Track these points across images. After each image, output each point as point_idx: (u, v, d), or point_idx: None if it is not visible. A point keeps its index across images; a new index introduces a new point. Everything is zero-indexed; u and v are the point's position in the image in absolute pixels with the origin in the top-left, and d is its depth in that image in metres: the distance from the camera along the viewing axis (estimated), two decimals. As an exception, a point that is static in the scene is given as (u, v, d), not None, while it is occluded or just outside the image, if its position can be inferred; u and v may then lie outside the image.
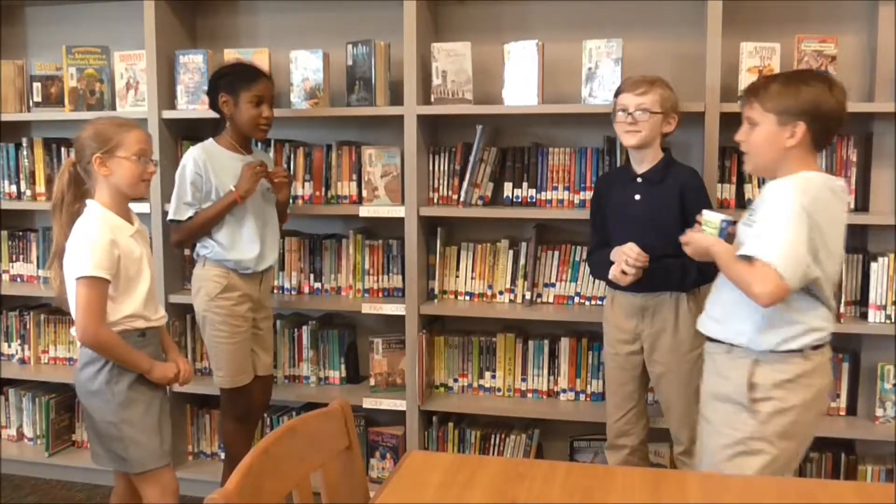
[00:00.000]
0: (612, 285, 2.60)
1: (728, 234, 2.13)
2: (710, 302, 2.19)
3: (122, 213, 2.33)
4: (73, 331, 2.30)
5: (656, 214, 2.51)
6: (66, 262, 2.26)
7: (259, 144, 3.21)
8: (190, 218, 2.78)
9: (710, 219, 2.14)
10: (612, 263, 2.52)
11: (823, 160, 2.87)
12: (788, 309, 1.96)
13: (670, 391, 2.59)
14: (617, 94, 2.59)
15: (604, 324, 2.71)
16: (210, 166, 2.78)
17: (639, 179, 2.56)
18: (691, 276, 2.48)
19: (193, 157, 2.79)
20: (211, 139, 2.87)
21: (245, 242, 2.82)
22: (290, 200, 3.10)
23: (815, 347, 2.00)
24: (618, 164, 2.96)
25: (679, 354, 2.54)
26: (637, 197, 2.56)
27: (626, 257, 2.44)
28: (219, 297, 2.81)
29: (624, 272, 2.46)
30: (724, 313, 2.10)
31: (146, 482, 2.36)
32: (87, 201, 2.32)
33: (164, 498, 2.35)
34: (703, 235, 2.14)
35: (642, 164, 2.57)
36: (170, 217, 2.83)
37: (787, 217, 1.89)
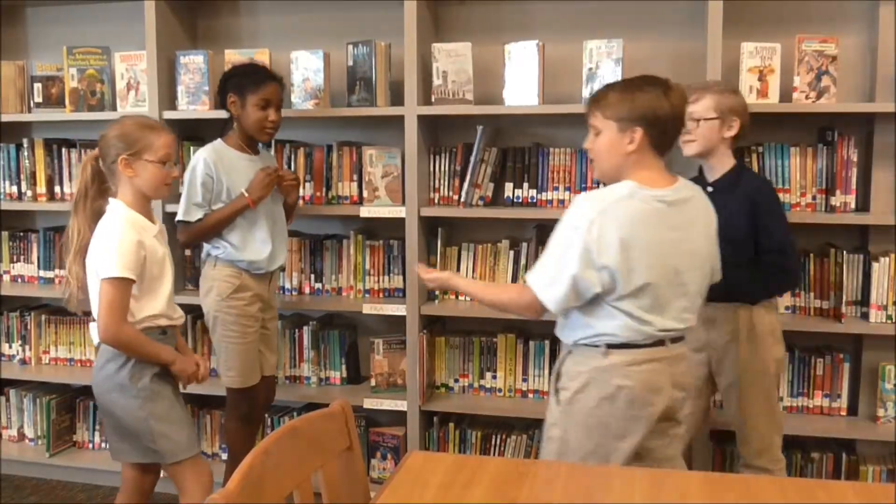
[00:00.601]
0: None
1: None
2: None
3: (144, 213, 2.33)
4: (92, 329, 2.31)
5: (727, 224, 2.39)
6: (91, 262, 2.26)
7: (262, 145, 3.20)
8: (200, 220, 2.78)
9: None
10: None
11: (824, 160, 2.87)
12: (585, 315, 2.03)
13: (735, 404, 2.53)
14: None
15: None
16: (220, 167, 2.78)
17: (709, 188, 2.45)
18: (758, 288, 2.45)
19: (204, 157, 2.78)
20: (219, 139, 2.87)
21: (257, 243, 2.82)
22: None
23: (616, 346, 2.01)
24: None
25: (746, 367, 2.47)
26: None
27: None
28: (231, 298, 2.81)
29: None
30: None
31: (181, 472, 2.36)
32: (111, 200, 2.31)
33: (200, 485, 2.36)
34: (438, 275, 2.28)
35: (712, 173, 2.52)
36: (179, 218, 2.80)
37: (556, 238, 1.99)
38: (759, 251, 2.44)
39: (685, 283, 2.02)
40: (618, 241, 1.92)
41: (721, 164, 2.51)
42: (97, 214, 2.32)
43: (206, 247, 2.88)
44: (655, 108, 1.98)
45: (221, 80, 2.87)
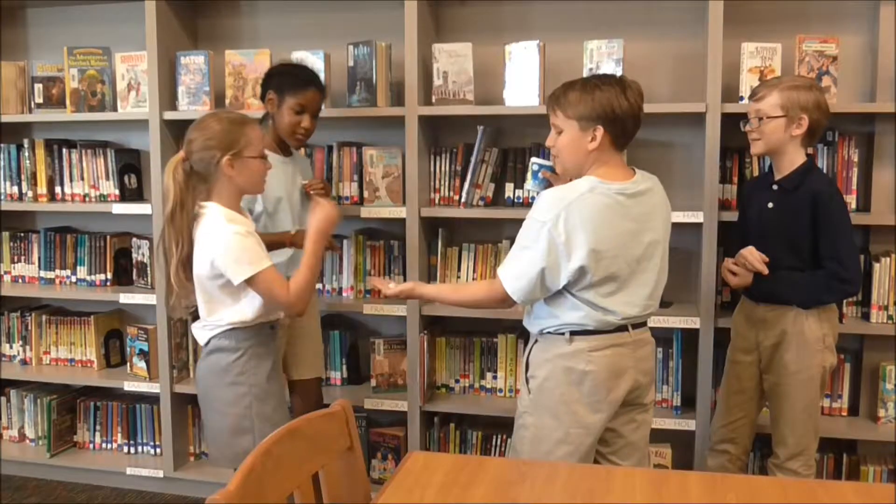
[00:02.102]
0: (743, 293, 2.57)
1: (542, 179, 2.37)
2: None
3: (239, 211, 2.28)
4: (194, 329, 2.31)
5: (787, 224, 2.42)
6: (200, 267, 2.20)
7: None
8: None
9: (531, 163, 2.45)
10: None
11: (825, 160, 2.87)
12: (549, 306, 2.11)
13: (777, 406, 2.53)
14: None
15: (731, 329, 2.68)
16: None
17: (774, 187, 2.47)
18: (813, 293, 2.42)
19: None
20: None
21: (280, 251, 2.75)
22: None
23: (580, 333, 2.08)
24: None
25: (792, 370, 2.45)
26: (770, 205, 2.47)
27: (744, 259, 2.43)
28: None
29: (732, 272, 2.47)
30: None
31: None
32: (204, 204, 2.22)
33: None
34: (401, 287, 2.34)
35: (779, 171, 2.47)
36: None
37: (524, 233, 2.09)
38: (817, 256, 2.40)
39: (645, 270, 2.10)
40: (583, 234, 1.99)
41: (789, 163, 2.45)
42: (193, 221, 2.22)
43: None
44: (614, 107, 2.05)
45: (265, 75, 2.80)
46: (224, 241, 2.16)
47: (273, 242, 2.67)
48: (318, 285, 3.35)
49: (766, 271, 2.42)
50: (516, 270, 2.09)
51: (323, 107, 2.90)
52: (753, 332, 2.54)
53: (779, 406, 2.51)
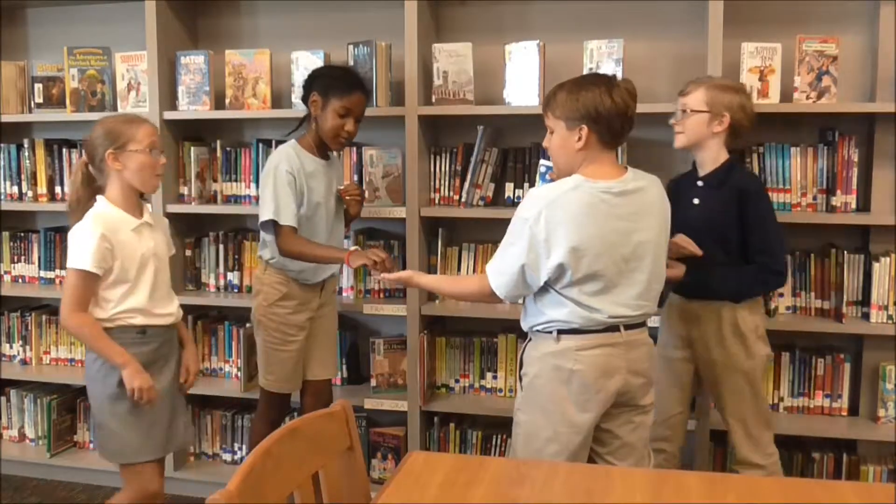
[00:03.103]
0: (674, 288, 2.57)
1: (549, 180, 2.37)
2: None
3: (129, 208, 2.36)
4: None
5: (714, 219, 2.46)
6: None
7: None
8: (294, 227, 2.63)
9: (540, 165, 2.49)
10: None
11: (825, 160, 2.87)
12: (537, 303, 2.14)
13: (723, 400, 2.54)
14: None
15: (659, 327, 2.68)
16: (300, 170, 2.66)
17: (699, 183, 2.51)
18: (747, 285, 2.45)
19: (285, 160, 2.65)
20: (294, 141, 2.74)
21: None
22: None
23: (567, 332, 2.09)
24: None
25: (730, 365, 2.48)
26: (696, 201, 2.50)
27: (676, 247, 2.41)
28: (276, 305, 2.74)
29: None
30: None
31: (124, 474, 2.39)
32: (98, 198, 2.36)
33: (136, 494, 2.38)
34: (399, 274, 2.40)
35: (703, 168, 2.52)
36: (268, 217, 2.62)
37: (509, 230, 2.12)
38: (746, 250, 2.44)
39: (634, 270, 2.09)
40: (564, 232, 2.01)
41: (711, 160, 2.50)
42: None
43: (261, 250, 2.80)
44: (598, 106, 2.06)
45: (309, 76, 2.75)
46: (75, 231, 2.31)
47: (330, 258, 2.67)
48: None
49: (700, 252, 2.41)
50: (500, 266, 2.13)
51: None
52: (687, 328, 2.55)
53: (724, 401, 2.54)
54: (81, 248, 2.26)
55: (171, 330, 2.45)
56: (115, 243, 2.29)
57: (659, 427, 2.60)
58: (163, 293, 2.41)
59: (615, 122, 2.08)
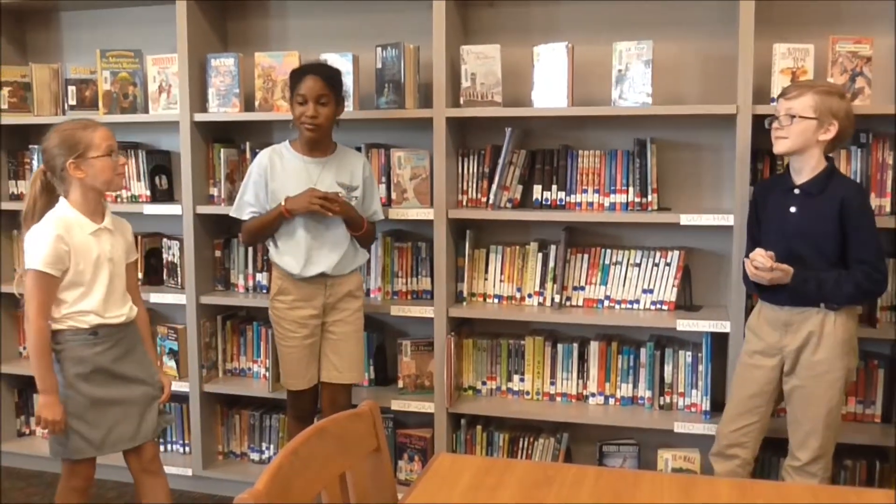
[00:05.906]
0: (762, 297, 2.53)
1: None
2: None
3: (89, 211, 2.40)
4: None
5: (812, 228, 2.41)
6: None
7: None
8: (252, 218, 2.84)
9: None
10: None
11: (858, 162, 2.83)
12: None
13: (800, 408, 2.48)
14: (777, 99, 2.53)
15: (746, 332, 2.63)
16: (274, 168, 2.80)
17: (796, 191, 2.45)
18: (844, 293, 2.39)
19: (260, 158, 2.85)
20: (287, 141, 2.90)
21: (291, 248, 2.81)
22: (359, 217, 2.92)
23: None
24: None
25: (817, 373, 2.42)
26: (793, 209, 2.45)
27: (751, 262, 2.39)
28: (276, 299, 2.86)
29: (756, 268, 2.40)
30: None
31: (63, 469, 2.48)
32: (61, 200, 2.41)
33: (67, 488, 2.47)
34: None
35: (801, 175, 2.46)
36: (231, 213, 2.92)
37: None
38: (846, 258, 2.40)
39: None
40: None
41: (811, 167, 2.44)
42: None
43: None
44: None
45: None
46: (32, 233, 2.35)
47: (272, 217, 2.77)
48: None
49: (774, 265, 2.35)
50: None
51: (349, 106, 2.89)
52: (776, 336, 2.50)
53: (803, 409, 2.47)
54: (38, 250, 2.31)
55: (124, 328, 2.47)
56: (72, 245, 2.34)
57: (735, 433, 2.57)
58: (117, 298, 2.45)
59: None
